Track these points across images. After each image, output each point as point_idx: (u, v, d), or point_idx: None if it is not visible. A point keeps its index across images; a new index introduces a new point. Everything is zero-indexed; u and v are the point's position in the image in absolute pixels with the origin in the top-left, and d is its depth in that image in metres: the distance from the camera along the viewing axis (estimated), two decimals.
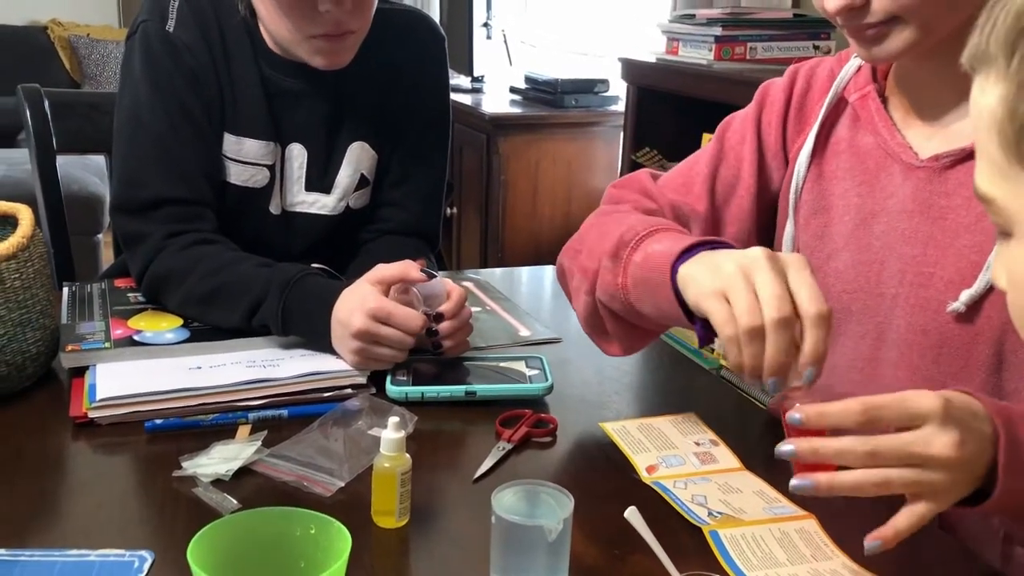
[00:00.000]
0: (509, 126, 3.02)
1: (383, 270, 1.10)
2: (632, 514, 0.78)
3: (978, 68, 0.55)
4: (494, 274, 1.63)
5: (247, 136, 1.29)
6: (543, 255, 2.98)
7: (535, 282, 1.66)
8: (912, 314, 0.94)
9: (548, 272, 1.66)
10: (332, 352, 1.10)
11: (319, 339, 1.11)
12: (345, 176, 1.35)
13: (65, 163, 1.61)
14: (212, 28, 1.27)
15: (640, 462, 0.95)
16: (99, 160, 3.72)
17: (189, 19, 1.25)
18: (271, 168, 1.31)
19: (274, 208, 1.34)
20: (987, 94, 0.54)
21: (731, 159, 1.09)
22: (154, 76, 1.24)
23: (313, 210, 1.36)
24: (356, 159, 1.35)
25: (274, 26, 1.22)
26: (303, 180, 1.34)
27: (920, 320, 0.93)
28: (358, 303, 1.06)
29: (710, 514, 0.86)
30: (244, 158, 1.29)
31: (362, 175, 1.37)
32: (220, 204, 1.30)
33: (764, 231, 1.10)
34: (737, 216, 1.09)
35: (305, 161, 1.33)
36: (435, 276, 1.10)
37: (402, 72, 1.36)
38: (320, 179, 1.35)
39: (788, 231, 1.07)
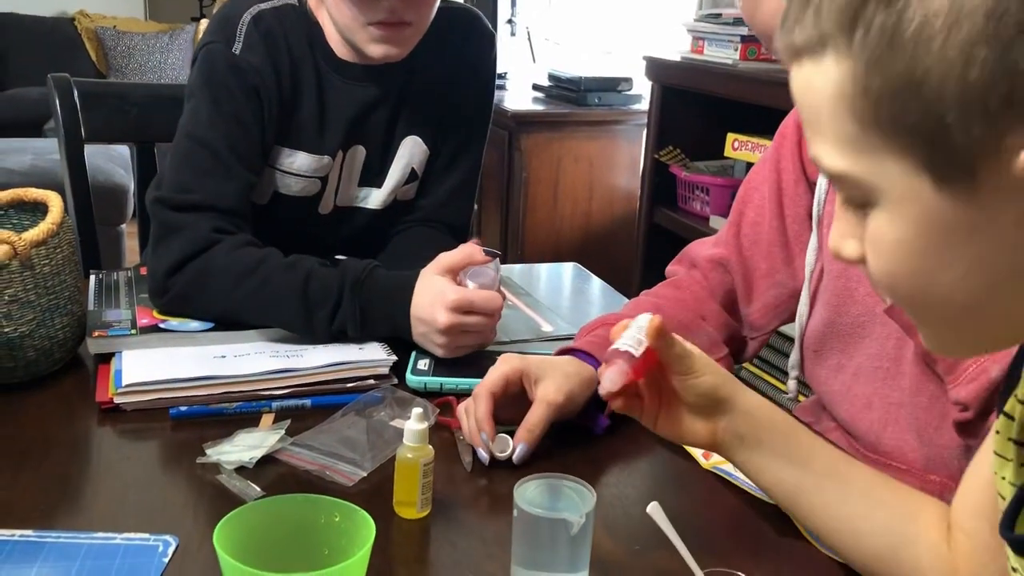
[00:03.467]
0: (532, 123, 3.01)
1: (448, 258, 1.11)
2: (654, 510, 0.78)
3: (806, 54, 0.53)
4: (514, 270, 1.63)
5: (302, 150, 1.29)
6: (563, 252, 2.98)
7: (555, 278, 1.67)
8: None
9: (568, 268, 1.66)
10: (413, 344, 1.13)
11: (399, 335, 1.13)
12: (397, 169, 1.37)
13: (91, 153, 1.62)
14: (281, 50, 1.25)
15: (695, 450, 0.97)
16: (124, 151, 3.74)
17: (257, 42, 1.24)
18: (323, 178, 1.32)
19: (323, 209, 1.36)
20: (828, 76, 0.52)
21: (756, 201, 1.14)
22: (215, 94, 1.23)
23: (363, 204, 1.37)
24: (409, 153, 1.36)
25: (337, 11, 1.23)
26: (358, 176, 1.36)
27: None
28: (438, 298, 1.07)
29: None
30: (297, 171, 1.30)
31: (412, 169, 1.38)
32: (270, 210, 1.31)
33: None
34: (768, 253, 1.13)
35: (363, 159, 1.34)
36: (497, 255, 1.11)
37: (456, 69, 1.37)
38: (376, 174, 1.36)
39: (812, 244, 1.07)
